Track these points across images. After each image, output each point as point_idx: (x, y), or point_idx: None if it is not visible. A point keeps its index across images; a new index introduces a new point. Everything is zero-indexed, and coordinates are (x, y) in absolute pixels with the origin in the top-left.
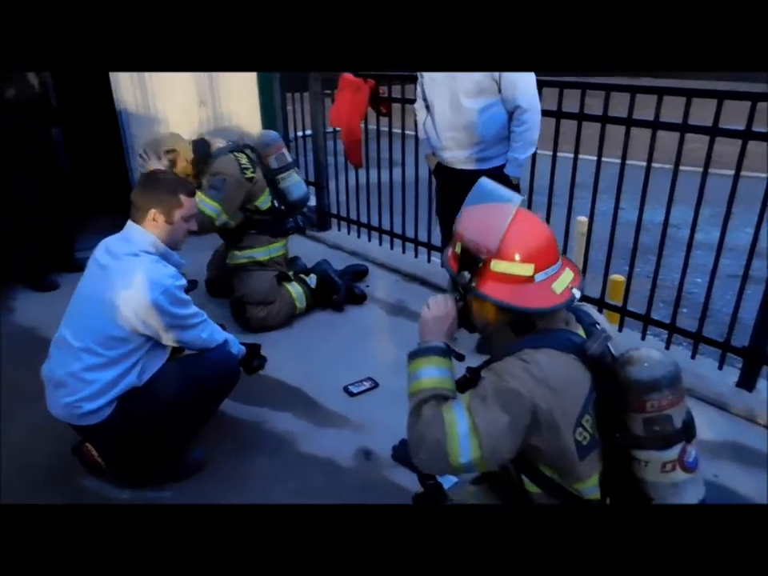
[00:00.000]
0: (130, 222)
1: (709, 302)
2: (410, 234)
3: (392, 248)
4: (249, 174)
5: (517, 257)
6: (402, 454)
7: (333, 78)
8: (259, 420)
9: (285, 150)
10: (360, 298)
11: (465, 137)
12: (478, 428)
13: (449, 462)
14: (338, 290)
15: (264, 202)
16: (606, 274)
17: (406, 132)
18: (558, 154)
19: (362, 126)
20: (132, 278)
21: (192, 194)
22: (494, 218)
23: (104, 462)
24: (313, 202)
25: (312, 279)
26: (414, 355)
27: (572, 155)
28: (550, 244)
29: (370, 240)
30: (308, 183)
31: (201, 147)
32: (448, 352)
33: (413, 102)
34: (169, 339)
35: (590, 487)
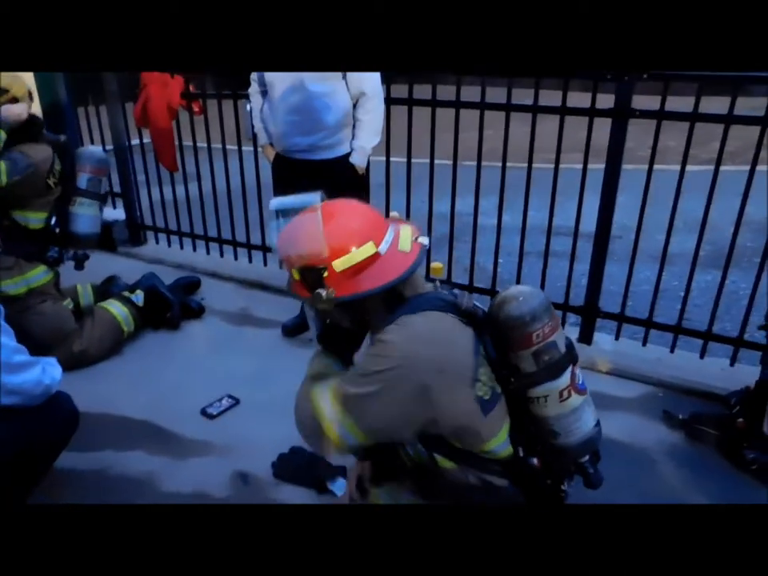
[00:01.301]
0: None
1: (545, 273)
2: (240, 239)
3: (222, 255)
4: (51, 183)
5: (351, 245)
6: (284, 469)
7: (134, 78)
8: (103, 466)
9: (104, 180)
10: (198, 312)
11: (308, 122)
12: (346, 404)
13: (333, 445)
14: (171, 306)
15: (38, 220)
16: (428, 263)
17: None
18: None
19: (174, 126)
20: None
21: None
22: (305, 226)
23: None
24: (122, 216)
25: (138, 297)
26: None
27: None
28: (370, 214)
29: (195, 250)
30: (114, 195)
31: (35, 121)
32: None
33: (231, 96)
34: None
35: (499, 444)
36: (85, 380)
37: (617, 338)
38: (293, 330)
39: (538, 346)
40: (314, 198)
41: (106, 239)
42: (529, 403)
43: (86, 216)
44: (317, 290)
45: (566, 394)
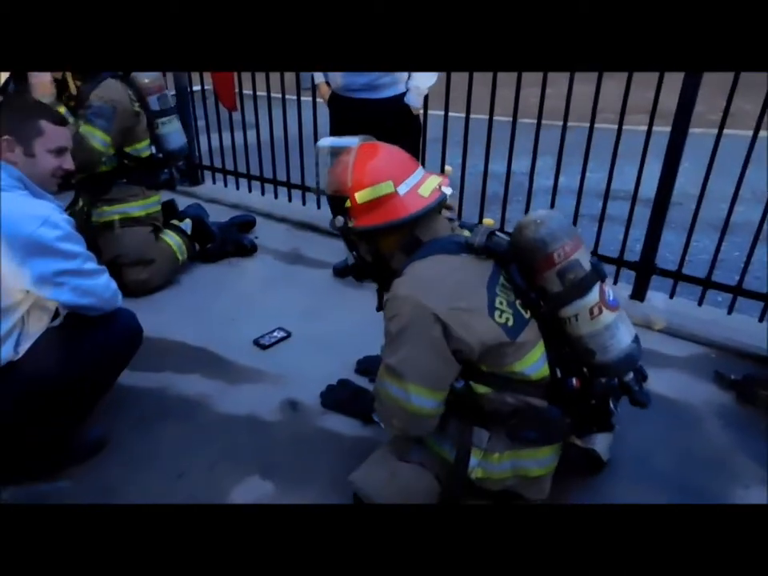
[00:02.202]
0: None
1: (600, 236)
2: (295, 181)
3: (276, 197)
4: (136, 108)
5: (373, 179)
6: (331, 398)
7: None
8: (163, 386)
9: (167, 92)
10: (251, 250)
11: None
12: (400, 375)
13: (417, 416)
14: (213, 238)
15: (144, 148)
16: (480, 220)
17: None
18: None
19: None
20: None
21: (59, 122)
22: (342, 159)
23: None
24: None
25: (187, 225)
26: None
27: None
28: (401, 158)
29: (250, 191)
30: None
31: None
32: None
33: None
34: (67, 293)
35: (529, 366)
36: (146, 308)
37: (671, 297)
38: (343, 270)
39: (561, 265)
40: (354, 140)
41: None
42: (562, 324)
43: (171, 133)
44: (338, 216)
45: (596, 311)
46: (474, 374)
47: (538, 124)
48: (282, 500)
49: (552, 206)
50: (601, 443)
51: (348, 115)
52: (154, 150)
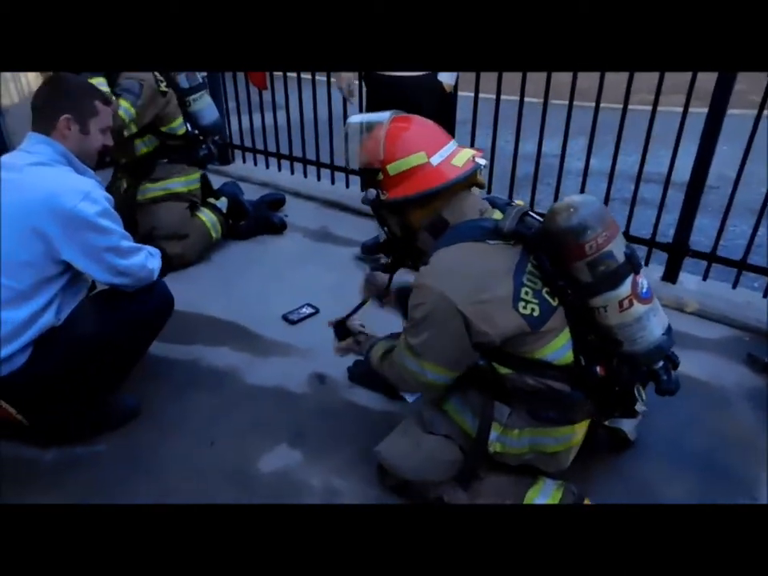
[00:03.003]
0: (31, 134)
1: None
2: (324, 160)
3: (305, 176)
4: (163, 88)
5: (405, 151)
6: (359, 373)
7: None
8: (194, 357)
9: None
10: (280, 228)
11: None
12: (421, 355)
13: (428, 386)
14: (246, 215)
15: (179, 125)
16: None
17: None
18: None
19: None
20: (42, 187)
21: (108, 102)
22: (373, 132)
23: (25, 419)
24: None
25: (222, 203)
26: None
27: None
28: (434, 130)
29: (280, 170)
30: None
31: None
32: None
33: None
34: (103, 271)
35: (553, 352)
36: (178, 282)
37: (704, 279)
38: (371, 248)
39: (593, 256)
40: (386, 114)
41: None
42: (590, 313)
43: (203, 109)
44: (370, 189)
45: (626, 303)
46: (497, 355)
47: (570, 104)
48: (309, 468)
49: (583, 188)
50: (628, 422)
51: (382, 93)
52: (189, 127)
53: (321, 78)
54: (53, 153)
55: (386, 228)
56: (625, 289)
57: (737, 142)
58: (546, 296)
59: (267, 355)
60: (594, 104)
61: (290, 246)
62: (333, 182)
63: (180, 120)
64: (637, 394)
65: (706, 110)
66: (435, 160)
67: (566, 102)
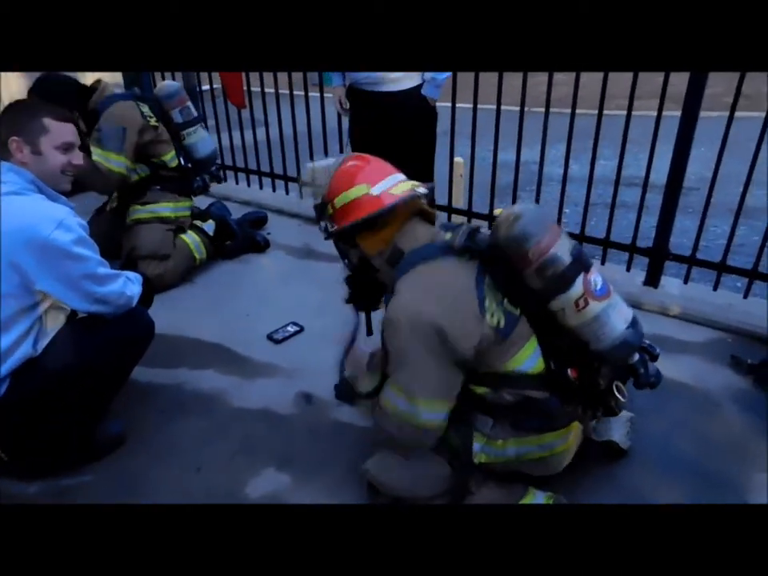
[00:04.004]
0: (2, 162)
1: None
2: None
3: (287, 193)
4: (152, 123)
5: (348, 184)
6: (346, 391)
7: None
8: (179, 381)
9: (189, 104)
10: (263, 246)
11: None
12: (410, 392)
13: (423, 429)
14: (234, 237)
15: (171, 158)
16: (491, 211)
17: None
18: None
19: None
20: (15, 218)
21: (63, 119)
22: (323, 173)
23: (5, 453)
24: None
25: (210, 226)
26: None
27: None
28: (379, 165)
29: (261, 188)
30: None
31: (85, 91)
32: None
33: None
34: (80, 299)
35: (525, 360)
36: (161, 305)
37: (686, 282)
38: None
39: (538, 262)
40: (339, 157)
41: None
42: (552, 317)
43: (198, 142)
44: (321, 222)
45: (581, 303)
46: (471, 376)
47: (546, 112)
48: (298, 491)
49: (562, 194)
50: (618, 432)
51: (367, 109)
52: (183, 160)
53: (299, 93)
54: (22, 181)
55: (346, 261)
56: (576, 289)
57: (715, 144)
58: (508, 306)
59: (253, 377)
60: (570, 110)
61: (274, 265)
62: None
63: (172, 153)
64: (616, 392)
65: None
66: (376, 191)
67: (543, 110)
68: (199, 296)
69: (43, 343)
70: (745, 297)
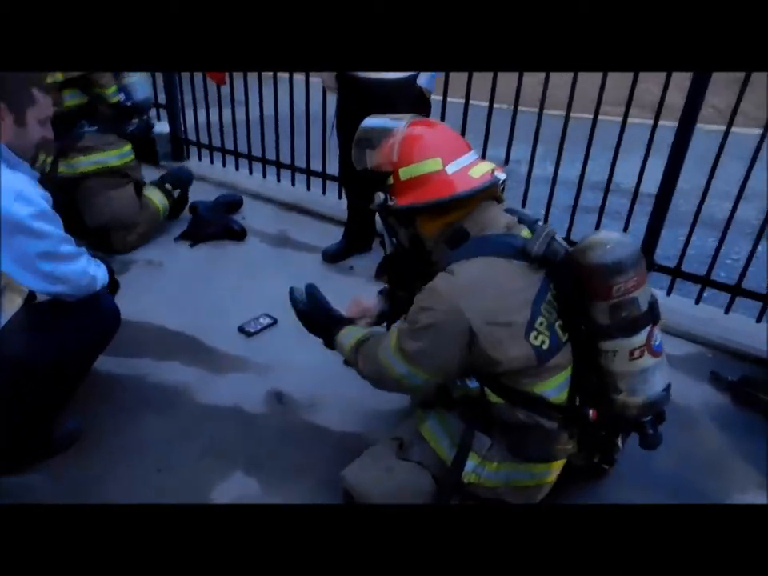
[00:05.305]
0: None
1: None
2: (284, 160)
3: (264, 176)
4: None
5: (420, 156)
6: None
7: None
8: (142, 373)
9: None
10: (240, 234)
11: None
12: (413, 360)
13: (404, 386)
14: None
15: (113, 93)
16: None
17: None
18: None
19: None
20: None
21: (47, 92)
22: (388, 135)
23: None
24: (166, 129)
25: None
26: (331, 343)
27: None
28: (453, 138)
29: (237, 169)
30: (158, 107)
31: None
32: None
33: None
34: (37, 279)
35: (552, 389)
36: (125, 291)
37: (668, 294)
38: (334, 255)
39: (617, 299)
40: (406, 118)
41: (149, 151)
42: (597, 354)
43: (137, 83)
44: (378, 192)
45: (637, 353)
46: (492, 382)
47: (540, 114)
48: (266, 498)
49: (550, 195)
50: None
51: (357, 95)
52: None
53: (283, 74)
54: None
55: (393, 239)
56: (640, 338)
57: (693, 156)
58: (558, 330)
59: (221, 371)
60: (563, 113)
61: (247, 252)
62: (293, 184)
63: (114, 88)
64: (618, 443)
65: (669, 122)
66: (451, 169)
67: (535, 110)
68: (167, 281)
69: None
70: (726, 312)
